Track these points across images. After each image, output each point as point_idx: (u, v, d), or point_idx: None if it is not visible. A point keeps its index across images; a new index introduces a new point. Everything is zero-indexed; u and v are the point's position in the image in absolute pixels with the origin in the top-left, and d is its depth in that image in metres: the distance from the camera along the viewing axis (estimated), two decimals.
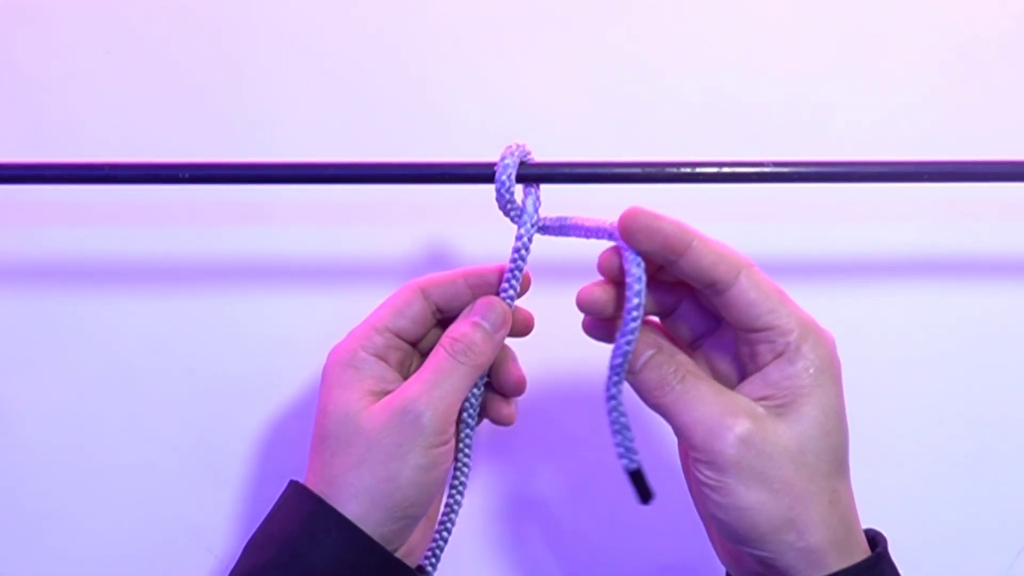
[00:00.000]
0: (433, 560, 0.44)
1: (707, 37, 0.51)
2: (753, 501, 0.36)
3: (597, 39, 0.51)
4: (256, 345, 0.51)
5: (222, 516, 0.52)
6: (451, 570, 0.49)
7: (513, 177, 0.40)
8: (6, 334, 0.51)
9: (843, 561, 0.36)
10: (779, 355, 0.37)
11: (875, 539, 0.39)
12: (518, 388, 0.44)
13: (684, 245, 0.37)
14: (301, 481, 0.41)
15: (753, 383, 0.38)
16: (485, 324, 0.41)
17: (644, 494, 0.38)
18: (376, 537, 0.39)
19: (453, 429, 0.41)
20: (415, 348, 0.44)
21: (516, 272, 0.42)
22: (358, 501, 0.39)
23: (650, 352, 0.39)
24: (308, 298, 0.51)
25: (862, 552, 0.37)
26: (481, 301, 0.42)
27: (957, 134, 0.51)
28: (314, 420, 0.41)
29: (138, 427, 0.52)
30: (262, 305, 0.51)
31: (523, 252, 0.41)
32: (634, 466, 0.38)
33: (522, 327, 0.44)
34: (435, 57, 0.51)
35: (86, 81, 0.51)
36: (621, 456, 0.38)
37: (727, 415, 0.36)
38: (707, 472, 0.36)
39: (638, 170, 0.41)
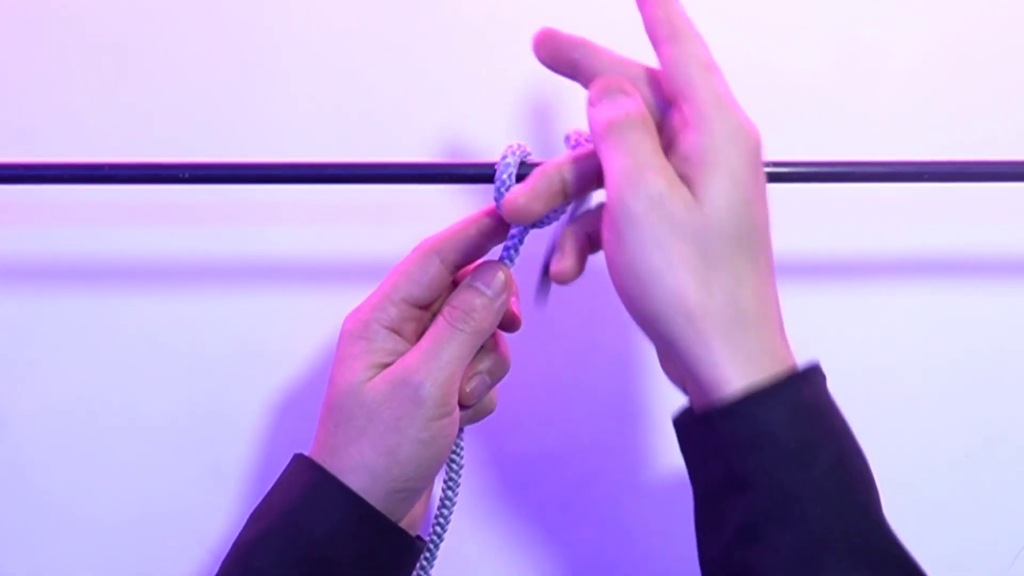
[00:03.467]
0: (436, 538, 0.44)
1: (706, 36, 0.51)
2: (648, 266, 0.34)
3: (596, 38, 0.51)
4: (256, 345, 0.51)
5: (222, 516, 0.52)
6: (454, 544, 0.49)
7: (513, 177, 0.40)
8: (6, 334, 0.51)
9: (742, 370, 0.34)
10: (687, 124, 0.36)
11: (808, 371, 0.37)
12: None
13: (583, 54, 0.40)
14: (306, 454, 0.41)
15: (668, 157, 0.37)
16: (485, 290, 0.41)
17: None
18: (377, 508, 0.39)
19: (455, 401, 0.40)
20: (430, 309, 0.43)
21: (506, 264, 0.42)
22: (357, 474, 0.39)
23: (619, 91, 0.38)
24: (308, 298, 0.51)
25: (769, 360, 0.35)
26: (481, 266, 0.41)
27: (957, 134, 0.51)
28: (328, 387, 0.41)
29: (137, 427, 0.52)
30: (262, 305, 0.51)
31: (512, 252, 0.41)
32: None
33: (509, 323, 0.43)
34: (435, 57, 0.51)
35: (86, 81, 0.51)
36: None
37: (649, 172, 0.35)
38: (610, 227, 0.36)
39: None
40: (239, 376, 0.52)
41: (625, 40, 0.41)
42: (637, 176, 0.35)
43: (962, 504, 0.52)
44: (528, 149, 0.41)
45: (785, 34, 0.51)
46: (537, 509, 0.52)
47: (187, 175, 0.42)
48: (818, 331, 0.52)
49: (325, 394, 0.41)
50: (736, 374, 0.34)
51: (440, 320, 0.40)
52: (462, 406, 0.42)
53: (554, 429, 0.52)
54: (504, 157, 0.40)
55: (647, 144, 0.36)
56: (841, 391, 0.52)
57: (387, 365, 0.40)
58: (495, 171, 0.40)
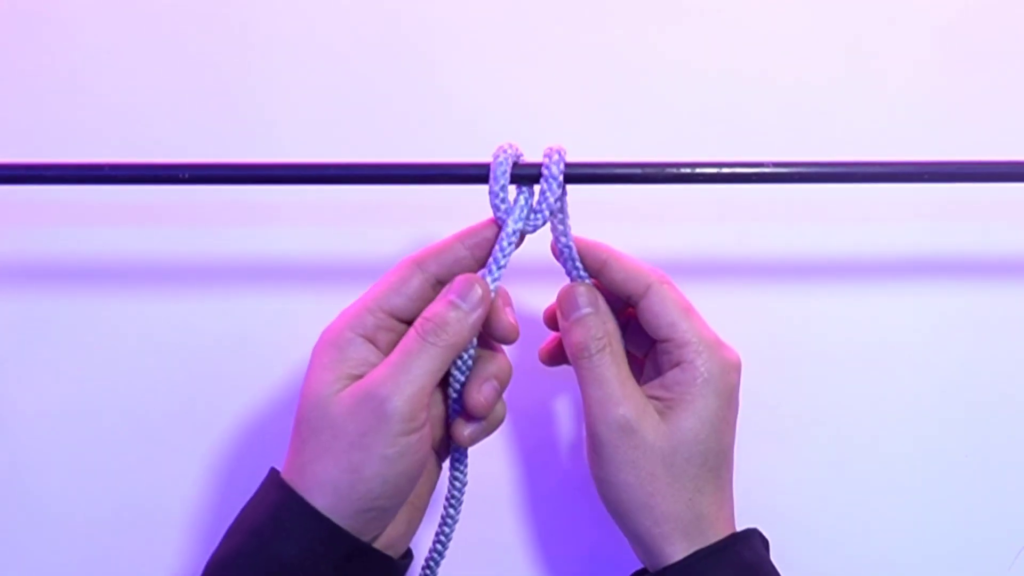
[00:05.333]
0: (437, 555, 0.44)
1: (707, 36, 0.51)
2: (620, 480, 0.40)
3: (597, 39, 0.51)
4: (256, 346, 0.51)
5: (221, 517, 0.52)
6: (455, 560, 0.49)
7: (507, 176, 0.40)
8: (6, 334, 0.52)
9: (694, 544, 0.39)
10: (676, 364, 0.41)
11: (747, 537, 0.41)
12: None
13: (599, 263, 0.42)
14: (280, 469, 0.40)
15: (652, 385, 0.41)
16: (461, 303, 0.39)
17: None
18: (345, 528, 0.37)
19: (425, 415, 0.38)
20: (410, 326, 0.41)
21: (494, 268, 0.41)
22: (323, 492, 0.37)
23: (588, 310, 0.41)
24: (307, 298, 0.51)
25: (715, 535, 0.40)
26: (459, 279, 0.40)
27: (957, 134, 0.51)
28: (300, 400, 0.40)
29: (136, 427, 0.52)
30: (261, 305, 0.51)
31: (499, 260, 0.41)
32: None
33: (506, 334, 0.42)
34: (435, 57, 0.51)
35: (86, 81, 0.51)
36: None
37: (619, 402, 0.40)
38: (589, 443, 0.41)
39: (637, 170, 0.41)
40: (238, 376, 0.52)
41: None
42: (608, 406, 0.40)
43: (962, 504, 0.52)
44: (520, 150, 0.41)
45: (785, 34, 0.51)
46: (541, 523, 0.52)
47: (187, 175, 0.42)
48: (818, 331, 0.52)
49: (296, 407, 0.40)
50: (688, 547, 0.40)
51: (411, 332, 0.39)
52: (478, 417, 0.42)
53: (559, 444, 0.52)
54: (496, 157, 0.40)
55: (615, 371, 0.41)
56: (841, 391, 0.52)
57: (358, 377, 0.39)
58: (489, 171, 0.40)
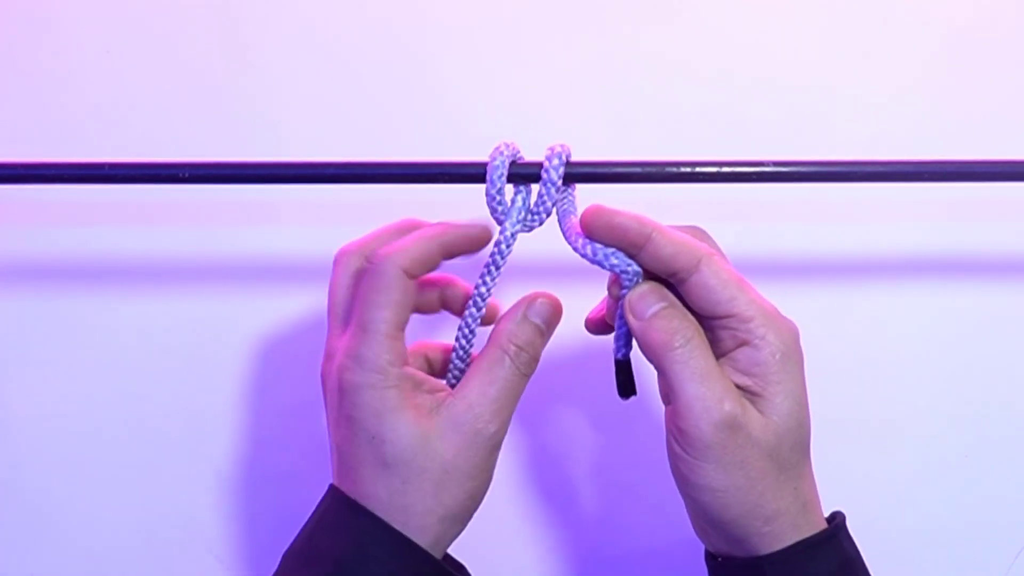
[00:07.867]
0: None
1: (707, 37, 0.51)
2: (728, 484, 0.37)
3: (597, 39, 0.51)
4: (256, 345, 0.52)
5: (222, 516, 0.52)
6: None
7: (504, 177, 0.40)
8: (6, 334, 0.52)
9: (795, 533, 0.38)
10: (742, 343, 0.38)
11: (834, 518, 0.40)
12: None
13: (643, 238, 0.38)
14: (368, 508, 0.38)
15: (721, 369, 0.38)
16: (544, 327, 0.40)
17: (627, 388, 0.41)
18: (430, 546, 0.37)
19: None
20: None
21: (492, 269, 0.40)
22: (443, 525, 0.38)
23: (663, 303, 0.38)
24: (308, 297, 0.51)
25: (817, 520, 0.39)
26: (539, 302, 0.40)
27: (957, 134, 0.51)
28: (357, 441, 0.38)
29: (138, 427, 0.52)
30: (261, 305, 0.51)
31: (502, 250, 0.40)
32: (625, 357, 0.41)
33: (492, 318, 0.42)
34: (436, 56, 0.51)
35: (86, 81, 0.51)
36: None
37: (723, 396, 0.36)
38: (687, 450, 0.37)
39: (637, 169, 0.41)
40: (239, 376, 0.52)
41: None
42: (712, 402, 0.36)
43: (962, 504, 0.52)
44: (518, 148, 0.41)
45: (786, 34, 0.51)
46: (535, 509, 0.52)
47: (187, 175, 0.42)
48: (818, 331, 0.52)
49: (372, 449, 0.37)
50: (794, 535, 0.38)
51: (509, 364, 0.39)
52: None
53: (553, 430, 0.52)
54: (493, 158, 0.40)
55: (709, 365, 0.37)
56: (841, 391, 0.52)
57: (425, 403, 0.38)
58: (486, 170, 0.40)
